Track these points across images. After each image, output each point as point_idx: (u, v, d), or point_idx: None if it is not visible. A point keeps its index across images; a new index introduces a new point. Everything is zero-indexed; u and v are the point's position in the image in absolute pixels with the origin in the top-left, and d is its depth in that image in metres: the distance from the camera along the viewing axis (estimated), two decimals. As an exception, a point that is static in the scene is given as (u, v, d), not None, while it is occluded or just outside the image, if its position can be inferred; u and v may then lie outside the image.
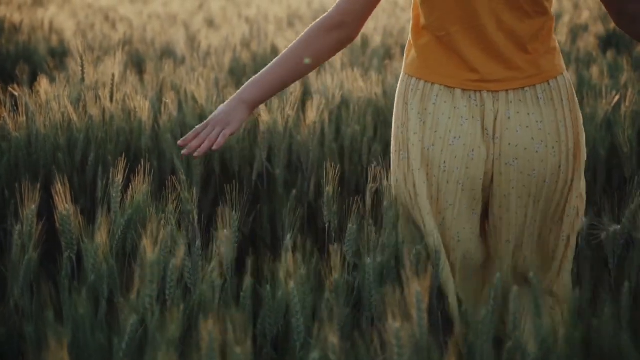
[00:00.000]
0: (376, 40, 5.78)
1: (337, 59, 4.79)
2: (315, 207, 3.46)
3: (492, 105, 2.27)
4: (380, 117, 3.79)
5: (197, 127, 2.36)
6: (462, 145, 2.26)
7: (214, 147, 2.31)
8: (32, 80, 4.85)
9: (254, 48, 5.57)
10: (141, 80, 4.14)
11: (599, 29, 5.92)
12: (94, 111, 3.24)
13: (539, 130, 2.28)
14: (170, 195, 2.50)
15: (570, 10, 7.00)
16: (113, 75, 3.43)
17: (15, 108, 3.26)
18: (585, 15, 6.44)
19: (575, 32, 5.79)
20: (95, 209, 3.08)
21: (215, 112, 2.36)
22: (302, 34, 2.32)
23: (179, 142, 2.37)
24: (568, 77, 2.37)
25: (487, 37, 2.26)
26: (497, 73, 2.28)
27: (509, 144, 2.27)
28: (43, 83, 3.39)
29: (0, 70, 5.77)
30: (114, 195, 2.42)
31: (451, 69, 2.28)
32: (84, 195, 3.14)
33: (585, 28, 6.00)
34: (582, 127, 2.36)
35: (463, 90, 2.27)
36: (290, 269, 1.93)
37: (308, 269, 1.95)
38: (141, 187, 2.43)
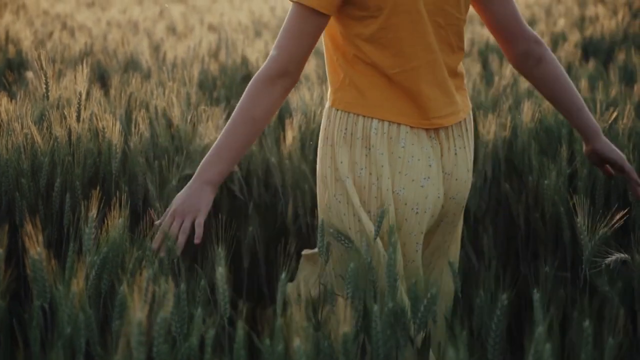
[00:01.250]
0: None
1: (312, 71, 4.58)
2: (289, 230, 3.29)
3: (446, 142, 2.30)
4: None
5: (162, 223, 2.26)
6: (432, 187, 2.27)
7: (197, 241, 2.23)
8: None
9: (222, 59, 5.33)
10: (106, 95, 3.89)
11: (576, 36, 5.75)
12: (59, 132, 3.00)
13: (468, 162, 2.36)
14: (147, 229, 2.29)
15: (544, 18, 6.83)
16: (80, 93, 3.19)
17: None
18: (561, 23, 6.26)
19: (555, 40, 5.61)
20: (62, 238, 2.85)
21: (178, 201, 2.27)
22: (246, 90, 2.27)
23: (154, 246, 2.23)
24: None
25: (437, 72, 2.27)
26: (445, 108, 2.29)
27: (457, 179, 2.33)
28: (3, 101, 3.14)
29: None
30: (87, 232, 2.19)
31: (411, 108, 2.26)
32: (50, 224, 2.88)
33: (563, 36, 5.83)
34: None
35: (426, 129, 2.27)
36: (292, 321, 1.70)
37: (315, 321, 1.73)
38: (116, 221, 2.20)
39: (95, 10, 10.83)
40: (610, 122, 3.32)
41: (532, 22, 6.49)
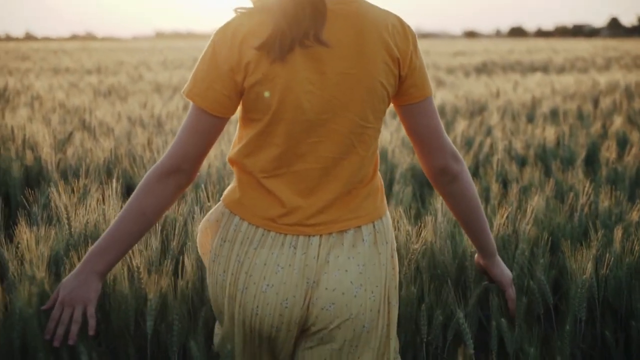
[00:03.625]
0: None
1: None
2: None
3: (313, 250, 2.22)
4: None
5: (52, 313, 2.29)
6: (275, 294, 2.22)
7: (91, 333, 2.28)
8: (8, 218, 4.19)
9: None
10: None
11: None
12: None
13: (359, 274, 2.24)
14: None
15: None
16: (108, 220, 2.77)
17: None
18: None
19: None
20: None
21: (65, 289, 2.29)
22: (139, 184, 2.27)
23: (46, 335, 2.28)
24: (389, 218, 2.35)
25: (311, 181, 2.22)
26: (316, 217, 2.23)
27: (326, 288, 2.22)
28: (24, 232, 2.71)
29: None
30: None
31: (272, 211, 2.23)
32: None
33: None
34: (397, 272, 2.36)
35: (285, 235, 2.23)
36: None
37: None
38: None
39: (113, 100, 10.49)
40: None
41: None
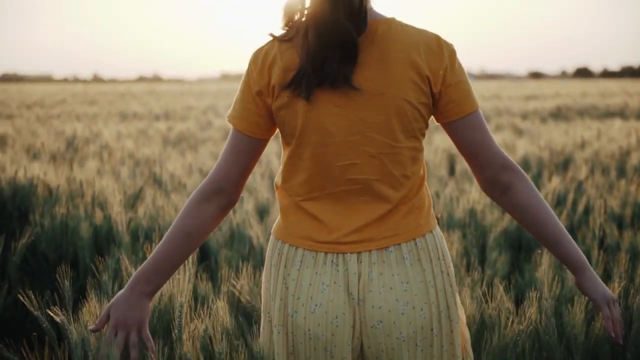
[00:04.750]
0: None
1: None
2: None
3: (355, 267, 2.21)
4: None
5: (106, 337, 2.31)
6: (324, 313, 2.21)
7: (152, 354, 2.32)
8: (76, 281, 3.95)
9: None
10: (223, 297, 3.16)
11: None
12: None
13: (404, 292, 2.22)
14: None
15: None
16: (190, 304, 2.48)
17: (58, 342, 2.59)
18: None
19: None
20: None
21: (116, 312, 2.30)
22: (185, 204, 2.32)
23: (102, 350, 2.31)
24: (439, 234, 2.31)
25: (347, 201, 2.23)
26: (354, 235, 2.22)
27: (372, 306, 2.20)
28: (92, 306, 2.50)
29: (35, 271, 4.84)
30: None
31: (312, 232, 2.24)
32: None
33: None
34: (455, 287, 2.30)
35: (325, 253, 2.23)
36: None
37: None
38: None
39: (182, 149, 10.28)
40: None
41: None
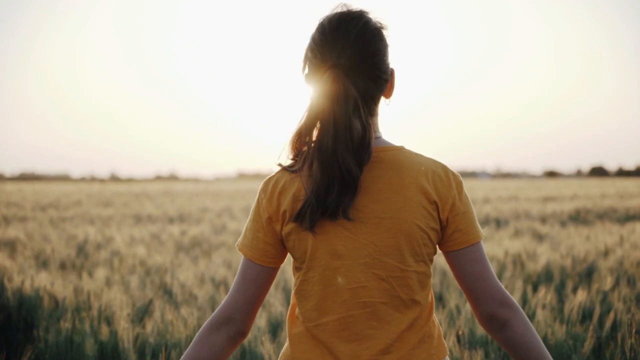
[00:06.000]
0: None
1: None
2: None
3: None
4: None
5: None
6: None
7: None
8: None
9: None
10: None
11: None
12: None
13: None
14: None
15: None
16: None
17: None
18: None
19: None
20: None
21: None
22: (198, 332, 2.35)
23: None
24: None
25: (357, 328, 2.20)
26: None
27: None
28: None
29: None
30: None
31: None
32: None
33: None
34: None
35: None
36: None
37: None
38: None
39: (195, 254, 10.08)
40: None
41: None
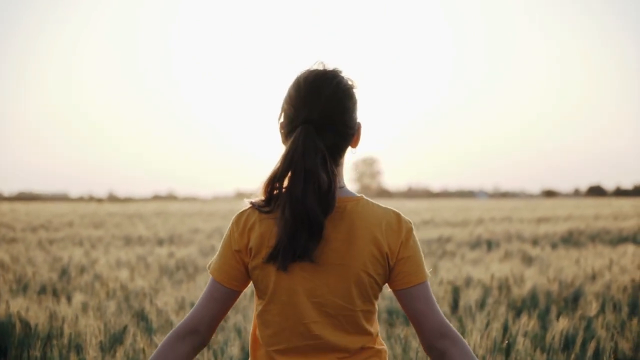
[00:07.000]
0: None
1: None
2: None
3: None
4: None
5: None
6: None
7: None
8: None
9: None
10: None
11: None
12: None
13: None
14: None
15: None
16: None
17: None
18: None
19: None
20: None
21: None
22: (163, 340, 2.52)
23: None
24: None
25: (306, 355, 2.46)
26: None
27: None
28: None
29: None
30: None
31: None
32: None
33: None
34: None
35: None
36: None
37: None
38: None
39: (179, 278, 9.96)
40: None
41: None
